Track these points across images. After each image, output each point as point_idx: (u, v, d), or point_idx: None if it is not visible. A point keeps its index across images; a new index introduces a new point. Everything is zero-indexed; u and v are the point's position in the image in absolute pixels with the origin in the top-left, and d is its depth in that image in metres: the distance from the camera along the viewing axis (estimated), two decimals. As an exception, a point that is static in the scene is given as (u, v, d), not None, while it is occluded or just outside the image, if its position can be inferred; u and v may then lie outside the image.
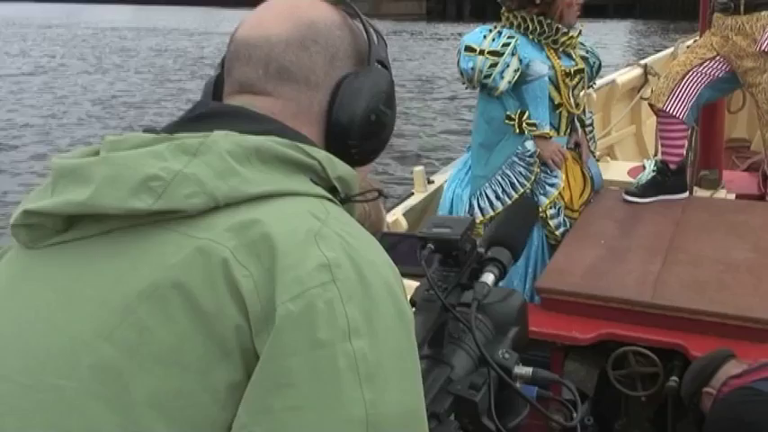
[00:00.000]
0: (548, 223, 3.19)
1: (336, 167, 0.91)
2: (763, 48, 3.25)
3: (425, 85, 16.38)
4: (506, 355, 1.11)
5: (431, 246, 1.15)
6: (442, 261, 1.17)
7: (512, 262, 1.22)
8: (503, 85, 3.04)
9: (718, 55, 3.41)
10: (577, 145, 3.34)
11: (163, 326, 0.77)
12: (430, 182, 3.83)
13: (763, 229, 3.09)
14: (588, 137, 3.41)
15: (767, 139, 3.45)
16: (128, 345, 0.77)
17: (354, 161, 0.97)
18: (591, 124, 3.45)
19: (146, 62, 21.42)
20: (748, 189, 3.78)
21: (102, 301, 0.80)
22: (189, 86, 16.44)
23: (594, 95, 4.67)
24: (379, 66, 0.99)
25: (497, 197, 3.16)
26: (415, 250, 1.16)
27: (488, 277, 1.17)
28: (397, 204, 3.62)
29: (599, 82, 3.73)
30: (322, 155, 0.90)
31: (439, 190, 3.72)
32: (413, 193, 3.74)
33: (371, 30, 1.00)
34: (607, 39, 31.24)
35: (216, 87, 1.02)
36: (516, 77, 3.06)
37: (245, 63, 0.96)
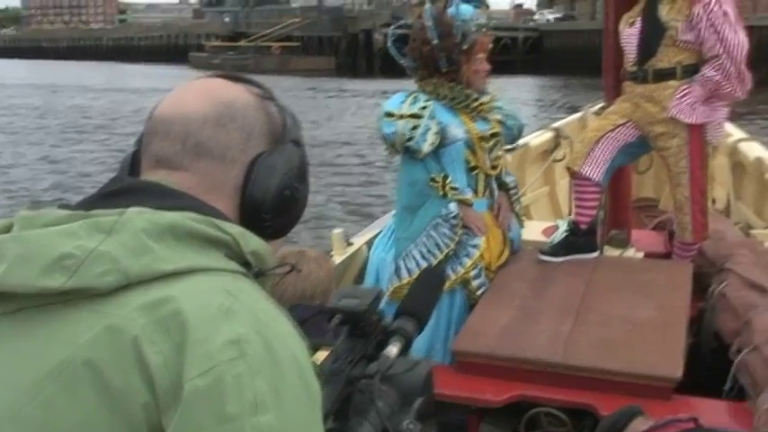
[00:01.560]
0: (469, 284, 3.26)
1: (250, 242, 0.95)
2: (672, 114, 3.45)
3: (338, 145, 16.51)
4: (411, 426, 1.14)
5: (339, 317, 1.19)
6: (350, 332, 1.21)
7: (418, 332, 1.26)
8: (426, 147, 3.14)
9: (629, 121, 3.61)
10: (500, 207, 3.45)
11: (71, 404, 0.79)
12: (349, 244, 3.87)
13: (668, 287, 3.24)
14: (513, 199, 3.53)
15: (678, 200, 3.63)
16: (35, 423, 0.79)
17: (268, 235, 1.02)
18: (515, 187, 3.57)
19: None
20: (655, 248, 3.97)
21: (11, 382, 0.81)
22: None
23: (509, 158, 4.85)
24: (293, 144, 1.05)
25: (423, 257, 3.23)
26: (324, 322, 1.20)
27: (393, 348, 1.21)
28: None
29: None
30: (236, 230, 0.94)
31: (358, 252, 3.78)
32: (332, 256, 3.77)
33: (286, 110, 1.07)
34: (515, 93, 32.31)
35: (133, 163, 1.06)
36: (437, 140, 3.17)
37: (163, 138, 1.00)
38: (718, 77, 3.35)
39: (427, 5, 3.28)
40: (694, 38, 3.39)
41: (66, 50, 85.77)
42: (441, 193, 3.20)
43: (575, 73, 46.93)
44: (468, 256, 3.26)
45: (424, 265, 3.20)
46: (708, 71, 3.37)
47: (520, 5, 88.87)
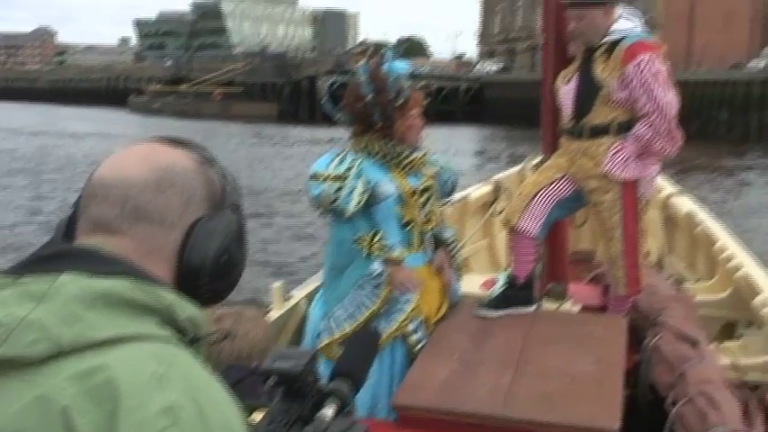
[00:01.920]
0: (408, 339, 3.29)
1: (185, 309, 0.97)
2: (605, 170, 3.57)
3: (281, 192, 16.46)
4: None
5: (274, 379, 1.21)
6: (286, 394, 1.22)
7: (354, 392, 1.28)
8: (351, 208, 3.17)
9: (565, 176, 3.71)
10: (440, 266, 3.49)
11: None
12: (288, 297, 3.87)
13: (604, 340, 3.31)
14: (452, 253, 3.58)
15: (612, 254, 3.72)
16: None
17: (205, 300, 1.03)
18: (453, 241, 3.62)
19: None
20: (592, 301, 4.06)
21: None
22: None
23: (448, 211, 4.93)
24: (232, 210, 1.07)
25: (347, 318, 3.25)
26: (260, 383, 1.21)
27: (329, 410, 1.22)
28: None
29: (452, 198, 3.97)
30: (171, 297, 0.95)
31: (298, 306, 3.78)
32: (271, 309, 3.77)
33: (226, 176, 1.09)
34: (456, 143, 32.75)
35: (69, 226, 1.06)
36: (364, 200, 3.20)
37: (102, 202, 1.00)
38: (649, 135, 3.47)
39: (361, 62, 3.35)
40: (627, 96, 3.50)
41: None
42: (365, 253, 3.23)
43: (514, 124, 47.84)
44: (400, 311, 3.28)
45: (346, 326, 3.23)
46: (640, 129, 3.49)
47: (461, 56, 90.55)
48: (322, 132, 38.95)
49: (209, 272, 1.02)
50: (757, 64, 51.44)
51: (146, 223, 1.00)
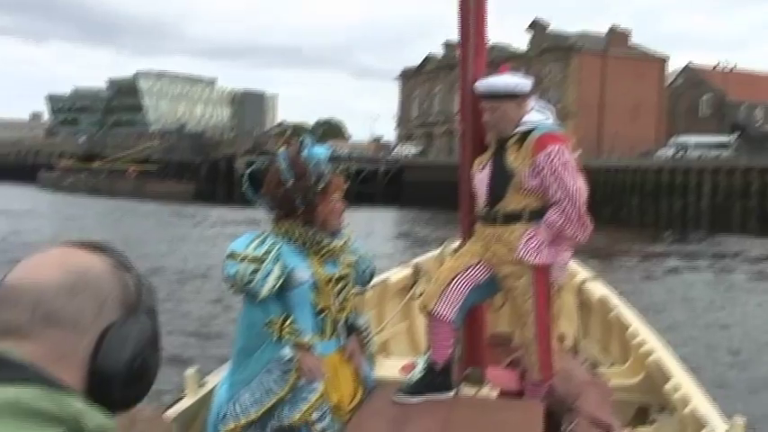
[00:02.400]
0: (313, 428, 3.25)
1: (94, 418, 0.95)
2: (519, 256, 3.66)
3: (196, 275, 16.22)
4: None
5: None
6: None
7: None
8: (264, 291, 3.16)
9: (480, 261, 3.79)
10: (351, 354, 3.49)
11: None
12: (202, 384, 3.79)
13: (521, 427, 3.35)
14: (365, 342, 3.59)
15: (525, 339, 3.79)
16: None
17: (117, 407, 1.02)
18: (367, 329, 3.63)
19: None
20: (510, 385, 4.09)
21: None
22: None
23: (368, 294, 4.96)
24: (147, 314, 1.07)
25: (253, 403, 3.21)
26: None
27: None
28: (167, 409, 3.54)
29: (372, 281, 4.00)
30: (79, 406, 0.94)
31: (211, 393, 3.70)
32: (184, 396, 3.68)
33: (142, 281, 1.09)
34: (376, 226, 33.02)
35: None
36: (279, 284, 3.20)
37: (12, 306, 0.99)
38: (561, 221, 3.58)
39: (281, 149, 3.39)
40: (538, 184, 3.63)
41: None
42: (276, 337, 3.21)
43: (432, 206, 48.70)
44: (304, 400, 3.24)
45: (251, 412, 3.18)
46: (551, 215, 3.60)
47: (379, 139, 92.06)
48: (240, 213, 38.75)
49: (121, 378, 1.02)
50: (665, 152, 53.96)
51: (57, 328, 0.99)
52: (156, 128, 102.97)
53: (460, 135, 4.08)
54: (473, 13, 3.85)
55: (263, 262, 3.18)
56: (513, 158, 3.68)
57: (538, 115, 3.77)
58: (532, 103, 3.84)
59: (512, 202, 3.70)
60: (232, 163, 60.56)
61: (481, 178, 3.82)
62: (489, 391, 4.00)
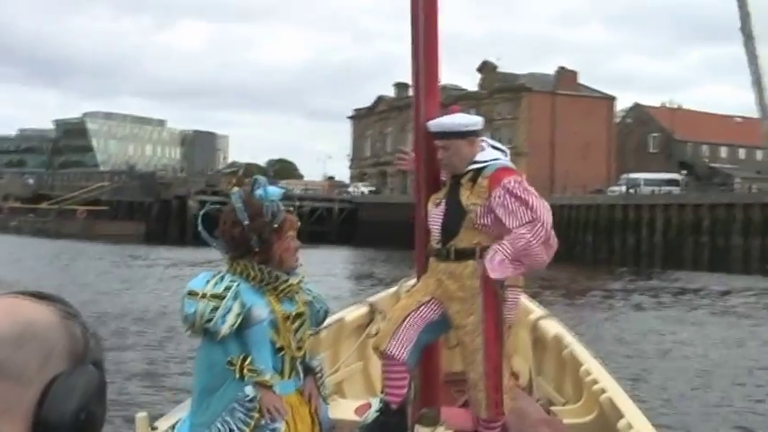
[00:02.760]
0: None
1: None
2: (484, 270, 3.65)
3: (146, 318, 15.99)
4: None
5: None
6: None
7: None
8: (225, 329, 3.16)
9: (432, 298, 3.83)
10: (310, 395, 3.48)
11: None
12: (154, 428, 3.74)
13: None
14: (319, 382, 3.58)
15: (472, 378, 3.81)
16: None
17: None
18: (320, 370, 3.62)
19: None
20: (465, 425, 4.09)
21: None
22: None
23: (323, 333, 4.96)
24: (94, 365, 1.05)
25: None
26: None
27: None
28: None
29: (327, 320, 4.00)
30: None
31: None
32: None
33: (89, 332, 1.07)
34: (331, 266, 32.95)
35: None
36: (238, 322, 3.20)
37: None
38: (528, 236, 3.59)
39: (235, 189, 3.42)
40: (491, 222, 3.70)
41: None
42: (237, 375, 3.20)
43: (387, 245, 48.79)
44: None
45: None
46: (519, 230, 3.61)
47: (332, 178, 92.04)
48: (194, 254, 38.38)
49: (67, 430, 1.00)
50: (617, 189, 54.83)
51: (1, 380, 0.97)
52: (105, 168, 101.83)
53: (416, 173, 4.13)
54: (425, 56, 3.93)
55: (222, 299, 3.17)
56: (467, 196, 3.75)
57: (492, 152, 3.86)
58: (485, 142, 3.92)
59: (464, 239, 3.75)
60: (185, 203, 60.15)
61: (436, 214, 3.88)
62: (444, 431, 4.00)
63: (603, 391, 4.46)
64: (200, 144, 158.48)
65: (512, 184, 3.66)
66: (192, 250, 42.10)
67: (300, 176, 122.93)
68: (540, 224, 3.61)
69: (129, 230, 57.39)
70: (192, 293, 3.19)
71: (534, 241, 3.61)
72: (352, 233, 58.79)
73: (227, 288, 3.21)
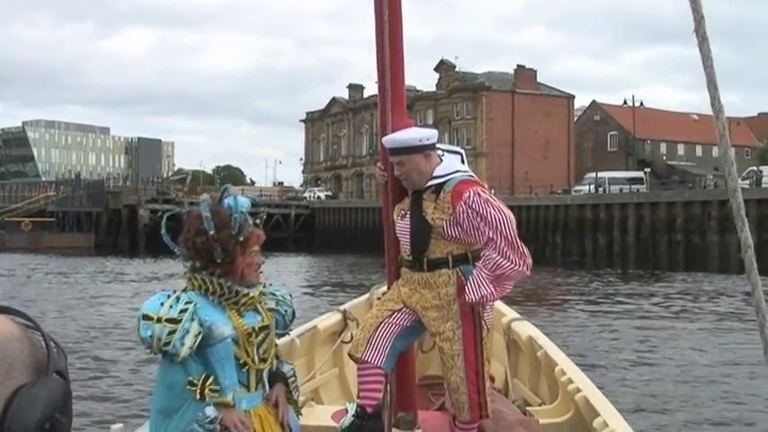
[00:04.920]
0: None
1: None
2: (465, 298, 3.75)
3: (102, 334, 15.78)
4: None
5: None
6: None
7: None
8: (184, 351, 3.14)
9: (405, 306, 3.92)
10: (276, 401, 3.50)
11: None
12: None
13: None
14: (291, 387, 3.59)
15: (453, 381, 3.90)
16: None
17: None
18: (292, 375, 3.63)
19: None
20: (441, 429, 4.17)
21: None
22: None
23: (298, 341, 5.00)
24: (57, 375, 1.08)
25: None
26: None
27: None
28: None
29: (301, 328, 4.04)
30: None
31: None
32: None
33: (50, 342, 1.10)
34: (291, 272, 32.84)
35: None
36: (198, 341, 3.18)
37: None
38: (495, 255, 3.69)
39: (204, 195, 3.41)
40: (459, 233, 3.78)
41: None
42: (198, 396, 3.18)
43: (346, 251, 48.68)
44: None
45: None
46: (488, 252, 3.72)
47: (281, 183, 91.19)
48: (144, 266, 37.91)
49: None
50: (582, 189, 54.88)
51: None
52: (48, 179, 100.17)
53: (383, 184, 4.17)
54: (391, 62, 3.95)
55: (179, 322, 3.14)
56: (431, 211, 3.81)
57: (450, 163, 3.91)
58: (441, 148, 3.98)
59: (435, 251, 3.84)
60: (135, 212, 59.41)
61: (403, 226, 3.94)
62: None
63: (579, 390, 4.57)
64: (146, 151, 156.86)
65: (470, 199, 3.72)
66: (145, 262, 41.68)
67: (247, 183, 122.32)
68: (502, 240, 3.68)
69: (77, 242, 56.60)
70: (146, 317, 3.15)
71: (503, 260, 3.69)
72: (309, 239, 58.67)
73: (183, 310, 3.17)
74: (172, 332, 3.11)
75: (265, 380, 3.44)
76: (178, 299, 3.22)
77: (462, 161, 4.04)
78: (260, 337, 3.37)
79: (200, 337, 3.17)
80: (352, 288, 22.77)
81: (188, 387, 3.17)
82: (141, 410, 9.21)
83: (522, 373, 5.85)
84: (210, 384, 3.18)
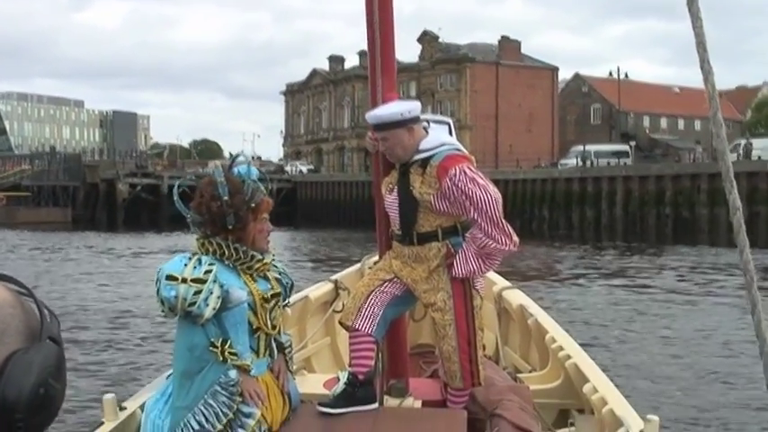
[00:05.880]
0: None
1: None
2: (452, 274, 3.86)
3: (87, 311, 15.76)
4: None
5: None
6: None
7: None
8: (207, 312, 3.24)
9: (395, 277, 4.01)
10: (278, 371, 3.61)
11: None
12: (122, 408, 3.82)
13: None
14: (288, 357, 3.71)
15: (445, 350, 3.99)
16: None
17: None
18: (290, 345, 3.75)
19: None
20: (433, 396, 4.28)
21: None
22: None
23: (289, 311, 5.10)
24: (51, 341, 1.10)
25: (202, 427, 3.27)
26: None
27: None
28: None
29: (293, 298, 4.13)
30: None
31: (132, 417, 3.74)
32: (103, 422, 3.70)
33: (44, 308, 1.13)
34: (271, 243, 32.62)
35: None
36: (218, 305, 3.28)
37: None
38: (481, 236, 3.77)
39: (217, 162, 3.51)
40: (447, 206, 3.83)
41: None
42: (220, 358, 3.29)
43: (329, 225, 48.60)
44: (242, 427, 3.32)
45: None
46: (474, 230, 3.81)
47: (259, 158, 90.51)
48: (124, 241, 37.68)
49: (25, 406, 1.02)
50: (570, 161, 54.52)
51: None
52: (21, 152, 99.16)
53: (374, 155, 4.22)
54: (381, 32, 3.97)
55: (204, 283, 3.24)
56: (419, 185, 3.85)
57: (436, 136, 3.94)
58: (428, 120, 4.03)
59: (424, 225, 3.90)
60: (113, 186, 58.96)
61: (391, 201, 4.00)
62: (413, 402, 4.18)
63: (569, 357, 4.68)
64: (121, 125, 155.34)
65: (456, 177, 3.75)
66: (124, 237, 41.45)
67: (224, 157, 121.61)
68: (486, 221, 3.73)
69: (54, 217, 56.06)
70: (171, 278, 3.24)
71: (487, 239, 3.76)
72: (290, 213, 58.53)
73: (208, 271, 3.28)
74: (197, 292, 3.21)
75: (273, 347, 3.56)
76: (200, 261, 3.32)
77: (450, 132, 4.08)
78: (272, 304, 3.51)
79: (220, 300, 3.27)
80: (340, 261, 22.75)
81: (210, 349, 3.27)
82: (131, 381, 9.38)
83: (512, 341, 5.96)
84: (229, 347, 3.29)
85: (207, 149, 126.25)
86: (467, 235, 3.86)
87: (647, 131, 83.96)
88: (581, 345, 5.08)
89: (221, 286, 3.31)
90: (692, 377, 10.49)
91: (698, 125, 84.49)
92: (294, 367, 3.93)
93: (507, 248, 3.80)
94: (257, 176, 3.52)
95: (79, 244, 35.65)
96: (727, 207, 2.06)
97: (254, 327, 3.45)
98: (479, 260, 3.83)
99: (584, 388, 4.34)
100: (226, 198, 3.37)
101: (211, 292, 3.26)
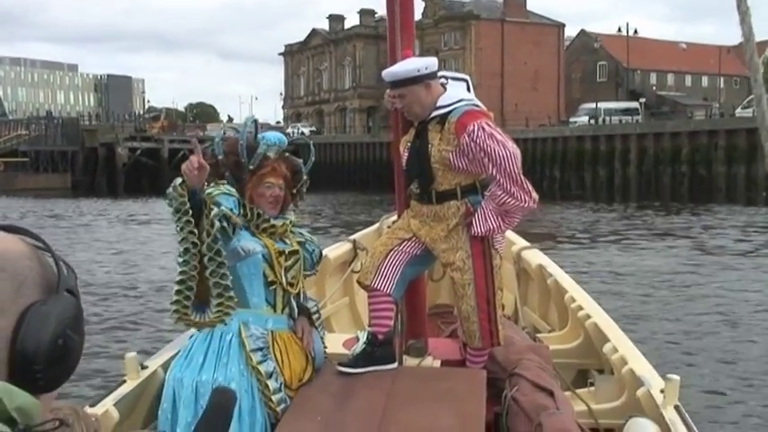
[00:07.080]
0: (270, 399, 3.42)
1: (15, 399, 0.98)
2: (472, 231, 3.87)
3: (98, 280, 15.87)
4: None
5: None
6: None
7: None
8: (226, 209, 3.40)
9: (414, 236, 4.02)
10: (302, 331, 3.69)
11: None
12: (144, 367, 3.87)
13: (465, 395, 3.59)
14: (317, 323, 3.80)
15: (464, 310, 4.01)
16: None
17: (40, 387, 1.05)
18: (317, 312, 3.84)
19: None
20: (452, 355, 4.33)
21: None
22: None
23: None
24: (68, 293, 1.10)
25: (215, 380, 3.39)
26: None
27: None
28: (108, 394, 3.63)
29: None
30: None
31: (154, 375, 3.79)
32: (125, 381, 3.76)
33: (60, 261, 1.13)
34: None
35: None
36: (221, 221, 3.31)
37: None
38: (500, 193, 3.78)
39: (225, 125, 3.62)
40: (466, 164, 3.83)
41: None
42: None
43: (331, 188, 48.57)
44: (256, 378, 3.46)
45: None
46: (492, 189, 3.82)
47: (257, 121, 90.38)
48: (125, 207, 37.58)
49: (44, 358, 1.03)
50: (580, 119, 54.01)
51: None
52: (16, 117, 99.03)
53: (393, 113, 4.22)
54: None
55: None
56: (437, 142, 3.85)
57: (455, 92, 3.93)
58: (446, 77, 4.01)
59: (443, 182, 3.91)
60: (113, 151, 58.83)
61: (409, 159, 4.01)
62: (432, 362, 4.22)
63: (588, 316, 4.71)
64: (116, 89, 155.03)
65: (474, 133, 3.74)
66: (125, 202, 41.39)
67: (221, 120, 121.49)
68: (505, 178, 3.73)
69: (53, 183, 56.15)
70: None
71: (506, 197, 3.77)
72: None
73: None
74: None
75: (294, 306, 3.62)
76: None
77: (468, 89, 4.09)
78: (289, 262, 3.61)
79: (219, 223, 3.22)
80: (344, 226, 22.73)
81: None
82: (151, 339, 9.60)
83: (531, 301, 6.00)
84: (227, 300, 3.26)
85: (203, 113, 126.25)
86: (486, 193, 3.87)
87: (654, 89, 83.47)
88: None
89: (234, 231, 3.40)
90: (711, 338, 10.54)
91: (705, 81, 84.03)
92: (322, 333, 3.96)
93: (527, 205, 3.81)
94: (280, 143, 3.69)
95: (91, 211, 35.57)
96: (746, 164, 2.00)
97: (270, 280, 3.56)
98: (499, 218, 3.84)
99: (603, 348, 4.38)
100: (220, 157, 3.59)
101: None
